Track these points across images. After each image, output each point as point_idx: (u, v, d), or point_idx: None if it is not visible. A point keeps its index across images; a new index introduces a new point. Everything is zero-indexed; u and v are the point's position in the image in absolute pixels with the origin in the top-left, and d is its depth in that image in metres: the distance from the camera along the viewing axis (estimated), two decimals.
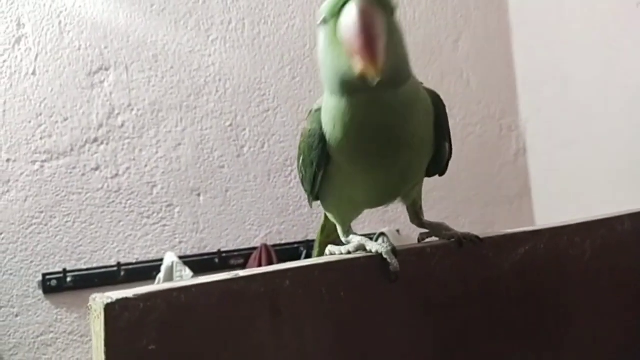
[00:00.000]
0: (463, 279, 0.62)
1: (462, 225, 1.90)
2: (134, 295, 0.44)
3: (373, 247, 0.55)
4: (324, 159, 0.57)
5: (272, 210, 1.69)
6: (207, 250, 1.61)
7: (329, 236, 0.73)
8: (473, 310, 0.62)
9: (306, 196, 0.66)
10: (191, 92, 1.64)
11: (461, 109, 1.98)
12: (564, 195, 1.90)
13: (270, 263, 1.56)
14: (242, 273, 0.50)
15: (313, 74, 1.79)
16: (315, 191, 0.61)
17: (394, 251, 0.54)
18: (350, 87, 0.52)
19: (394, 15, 0.53)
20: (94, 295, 0.46)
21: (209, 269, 1.57)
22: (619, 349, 0.76)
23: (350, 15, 0.48)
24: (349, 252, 0.57)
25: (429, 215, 2.04)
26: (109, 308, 0.44)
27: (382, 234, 1.68)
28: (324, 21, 0.52)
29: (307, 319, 0.51)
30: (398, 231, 1.77)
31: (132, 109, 1.58)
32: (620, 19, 1.70)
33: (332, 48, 0.52)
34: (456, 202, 1.92)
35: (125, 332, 0.44)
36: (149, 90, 1.60)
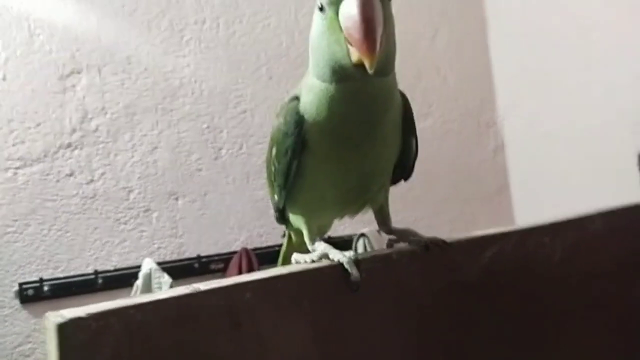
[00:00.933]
0: (430, 284, 0.61)
1: (442, 223, 1.91)
2: (87, 314, 0.43)
3: (335, 256, 0.55)
4: (299, 146, 0.57)
5: (252, 213, 1.68)
6: (186, 256, 1.59)
7: (294, 249, 0.73)
8: (442, 315, 0.62)
9: (276, 206, 0.66)
10: (166, 94, 1.62)
11: (439, 105, 1.98)
12: (543, 191, 1.91)
13: (250, 267, 1.55)
14: (202, 287, 0.49)
15: (290, 73, 1.78)
16: (288, 184, 0.60)
17: (357, 261, 0.54)
18: (343, 75, 0.52)
19: (390, 3, 0.53)
20: (47, 314, 0.45)
21: (188, 274, 1.56)
22: (591, 349, 0.77)
23: (352, 5, 0.48)
24: (313, 261, 0.57)
25: (409, 213, 2.05)
26: (62, 328, 0.42)
27: (362, 234, 1.68)
28: (321, 8, 0.52)
29: (269, 332, 0.50)
30: (379, 231, 1.76)
31: (106, 113, 1.55)
32: (595, 12, 1.71)
33: (328, 35, 0.52)
34: (435, 200, 1.92)
35: (79, 352, 0.43)
36: (123, 93, 1.57)
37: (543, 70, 1.89)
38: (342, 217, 0.68)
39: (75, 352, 0.43)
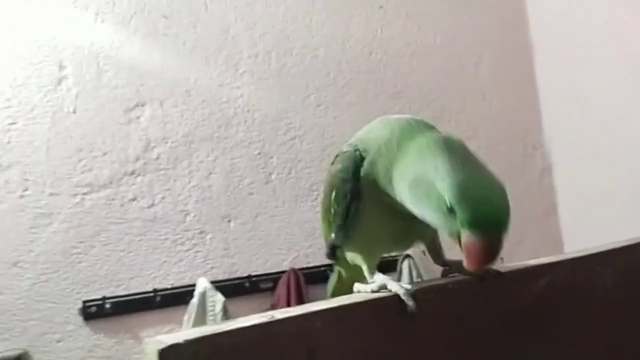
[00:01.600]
0: (485, 313, 0.64)
1: None
2: (184, 340, 0.49)
3: (393, 287, 0.59)
4: (357, 192, 0.63)
5: (300, 234, 1.74)
6: (237, 275, 1.67)
7: (343, 288, 0.77)
8: (497, 344, 0.65)
9: (331, 242, 0.71)
10: (221, 124, 1.71)
11: (485, 129, 2.00)
12: (592, 214, 1.89)
13: (298, 286, 1.61)
14: (277, 315, 0.54)
15: (337, 101, 1.85)
16: (346, 224, 0.66)
17: (412, 293, 0.58)
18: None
19: None
20: (147, 339, 0.50)
21: (239, 293, 1.63)
22: None
23: (482, 252, 0.53)
24: (373, 291, 0.61)
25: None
26: (164, 353, 0.48)
27: (408, 255, 1.70)
28: (451, 211, 0.53)
29: (339, 358, 0.55)
30: (424, 252, 1.79)
31: (167, 142, 1.66)
32: None
33: (443, 225, 0.55)
34: None
35: None
36: (182, 123, 1.68)
37: (589, 92, 1.88)
38: (396, 250, 0.73)
39: None
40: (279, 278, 1.68)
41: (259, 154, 1.74)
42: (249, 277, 1.67)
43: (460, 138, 0.60)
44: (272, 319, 0.54)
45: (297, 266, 1.70)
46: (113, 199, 1.61)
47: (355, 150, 0.63)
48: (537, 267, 0.70)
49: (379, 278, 0.62)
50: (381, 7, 1.93)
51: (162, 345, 0.48)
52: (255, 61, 1.77)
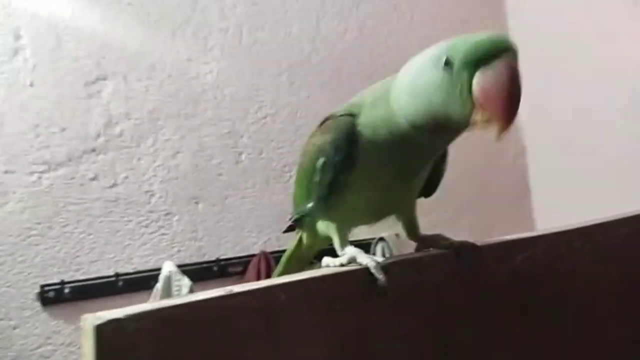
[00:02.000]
0: (462, 288, 0.61)
1: (462, 228, 1.90)
2: (125, 315, 0.44)
3: (363, 259, 0.55)
4: (349, 162, 0.58)
5: (271, 217, 1.69)
6: (205, 259, 1.60)
7: (299, 258, 0.74)
8: (473, 319, 0.62)
9: (304, 210, 0.66)
10: (189, 100, 1.64)
11: None
12: (564, 197, 1.89)
13: (268, 270, 1.56)
14: (236, 289, 0.49)
15: (311, 79, 1.79)
16: (329, 196, 0.61)
17: (385, 266, 0.54)
18: (443, 128, 0.52)
19: None
20: (84, 315, 0.45)
21: (207, 277, 1.57)
22: (620, 353, 0.76)
23: (500, 73, 0.47)
24: (342, 265, 0.57)
25: (430, 218, 2.03)
26: (100, 329, 0.43)
27: (381, 238, 1.67)
28: (447, 62, 0.49)
29: (303, 333, 0.50)
30: (397, 235, 1.76)
31: (130, 118, 1.58)
32: (619, 18, 1.70)
33: (450, 91, 0.50)
34: (455, 206, 1.91)
35: (116, 353, 0.43)
36: (147, 99, 1.59)
37: (565, 75, 1.88)
38: (370, 225, 0.69)
39: (112, 353, 0.43)
40: (249, 262, 1.62)
41: (229, 132, 1.67)
42: (218, 260, 1.61)
43: None
44: (229, 293, 0.49)
45: (268, 250, 1.64)
46: (72, 178, 1.52)
47: (350, 115, 0.59)
48: (514, 241, 0.68)
49: (350, 250, 0.58)
50: None
51: (99, 321, 0.42)
52: (226, 35, 1.69)
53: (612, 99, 1.72)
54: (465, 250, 0.61)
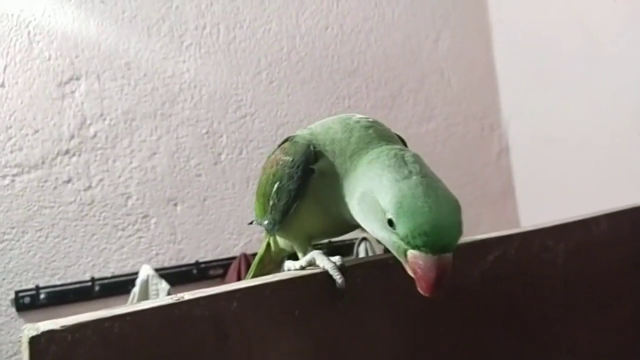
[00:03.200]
0: None
1: None
2: (62, 326, 0.41)
3: (322, 262, 0.53)
4: (302, 192, 0.57)
5: (251, 218, 1.65)
6: (185, 262, 1.57)
7: (267, 269, 0.72)
8: (441, 321, 0.59)
9: (262, 224, 0.65)
10: (165, 100, 1.60)
11: (443, 109, 1.96)
12: (549, 194, 1.88)
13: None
14: (186, 296, 0.47)
15: (291, 77, 1.76)
16: (283, 220, 0.61)
17: (342, 267, 0.51)
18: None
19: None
20: (25, 326, 0.42)
21: (187, 280, 1.54)
22: (596, 351, 0.74)
23: (429, 270, 0.46)
24: (302, 267, 0.55)
25: None
26: (34, 341, 0.40)
27: (364, 238, 1.65)
28: (392, 226, 0.47)
29: (258, 342, 0.48)
30: None
31: (105, 119, 1.54)
32: (599, 15, 1.69)
33: (391, 244, 0.49)
34: None
35: None
36: (122, 99, 1.56)
37: (548, 72, 1.86)
38: (332, 238, 0.67)
39: None
40: (230, 264, 1.59)
41: (207, 132, 1.64)
42: (197, 263, 1.58)
43: (417, 153, 0.54)
44: (178, 301, 0.46)
45: (248, 251, 1.61)
46: (46, 181, 1.48)
47: (308, 144, 0.57)
48: (487, 241, 0.65)
49: (310, 253, 0.55)
50: None
51: (34, 332, 0.40)
52: (203, 33, 1.66)
53: (593, 95, 1.71)
54: None
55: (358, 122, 0.57)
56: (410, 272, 0.48)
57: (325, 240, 0.85)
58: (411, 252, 0.47)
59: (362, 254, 1.65)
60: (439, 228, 0.46)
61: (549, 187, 1.88)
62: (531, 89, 1.94)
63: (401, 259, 0.49)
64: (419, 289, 0.48)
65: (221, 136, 1.66)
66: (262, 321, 0.48)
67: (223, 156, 1.66)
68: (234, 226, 1.64)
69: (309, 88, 1.77)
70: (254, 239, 1.65)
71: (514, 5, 2.00)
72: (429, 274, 0.46)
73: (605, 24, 1.67)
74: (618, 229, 0.79)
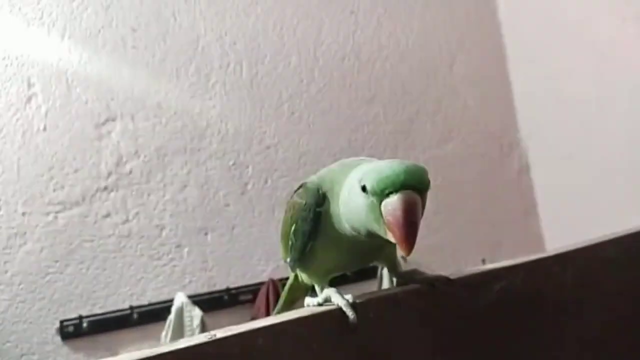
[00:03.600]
0: (438, 321, 0.64)
1: (469, 246, 1.91)
2: None
3: (335, 298, 0.58)
4: (315, 232, 0.64)
5: (278, 244, 1.72)
6: (216, 288, 1.65)
7: (296, 296, 0.77)
8: (451, 352, 0.64)
9: (287, 263, 0.71)
10: (194, 135, 1.70)
11: (461, 131, 2.00)
12: (572, 211, 1.89)
13: (277, 297, 1.59)
14: (218, 334, 0.53)
15: (311, 108, 1.84)
16: (301, 258, 0.67)
17: (354, 304, 0.57)
18: (371, 237, 0.58)
19: (427, 192, 0.57)
20: None
21: (218, 306, 1.61)
22: None
23: (397, 207, 0.53)
24: (319, 304, 0.60)
25: (437, 237, 2.04)
26: None
27: None
28: (365, 190, 0.55)
29: None
30: (403, 257, 1.78)
31: (139, 156, 1.64)
32: (611, 34, 1.71)
33: (367, 213, 0.55)
34: (461, 224, 1.92)
35: None
36: (154, 136, 1.66)
37: (564, 90, 1.89)
38: (352, 271, 0.74)
39: None
40: (258, 290, 1.66)
41: (234, 164, 1.73)
42: (228, 289, 1.65)
43: None
44: (211, 339, 0.52)
45: (276, 277, 1.68)
46: (86, 216, 1.59)
47: (317, 188, 0.64)
48: (492, 271, 0.69)
49: (326, 291, 0.61)
50: (352, 12, 1.93)
51: None
52: (227, 71, 1.76)
53: (610, 112, 1.73)
54: (439, 284, 0.63)
55: (355, 159, 0.65)
56: (388, 233, 0.53)
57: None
58: (383, 205, 0.53)
59: (385, 278, 1.70)
60: (400, 169, 0.54)
61: (572, 205, 1.88)
62: (549, 106, 1.97)
63: (380, 228, 0.54)
64: (397, 243, 0.53)
65: (247, 167, 1.74)
66: (284, 355, 0.54)
67: (249, 186, 1.74)
68: (262, 252, 1.71)
69: (329, 117, 1.85)
70: (281, 264, 1.71)
71: (527, 26, 2.03)
72: (397, 212, 0.52)
73: (619, 40, 1.69)
74: (625, 253, 0.81)
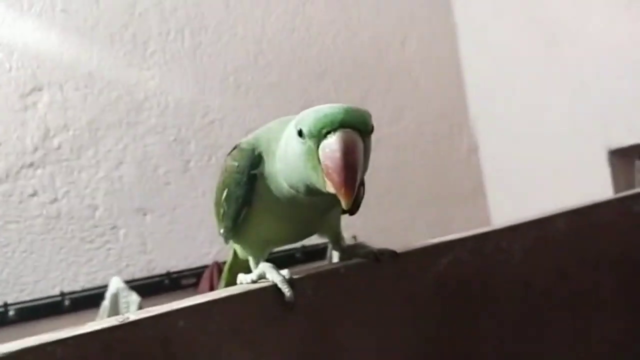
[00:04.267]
0: (382, 296, 0.59)
1: (419, 226, 1.90)
2: (2, 353, 0.40)
3: (270, 275, 0.53)
4: (249, 198, 0.58)
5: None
6: (156, 272, 1.55)
7: (241, 265, 0.71)
8: (395, 327, 0.60)
9: (221, 234, 0.64)
10: (130, 108, 1.58)
11: (412, 109, 1.97)
12: (519, 191, 1.91)
13: None
14: (132, 317, 0.46)
15: (259, 81, 1.76)
16: (235, 227, 0.61)
17: (290, 280, 0.52)
18: (314, 191, 0.52)
19: (370, 136, 0.52)
20: None
21: (159, 291, 1.53)
22: (555, 350, 0.75)
23: (335, 148, 0.48)
24: (253, 281, 0.55)
25: (387, 217, 2.02)
26: None
27: None
28: (300, 133, 0.50)
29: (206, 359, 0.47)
30: (354, 237, 1.75)
31: (69, 130, 1.52)
32: (559, 13, 1.72)
33: (304, 160, 0.50)
34: (411, 204, 1.91)
35: None
36: (85, 109, 1.53)
37: (513, 70, 1.89)
38: (290, 244, 0.67)
39: None
40: (202, 273, 1.58)
41: (175, 140, 1.63)
42: (169, 273, 1.56)
43: None
44: (122, 322, 0.46)
45: (221, 260, 1.60)
46: (10, 195, 1.45)
47: (252, 149, 0.58)
48: (439, 245, 0.66)
49: (261, 267, 0.56)
50: None
51: None
52: (167, 39, 1.64)
53: (558, 92, 1.75)
54: (384, 257, 0.59)
55: (292, 116, 0.57)
56: (327, 182, 0.48)
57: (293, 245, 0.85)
58: (320, 148, 0.48)
59: (335, 258, 1.66)
60: (339, 108, 0.50)
61: (519, 184, 1.91)
62: (498, 87, 1.97)
63: (318, 178, 0.49)
64: (336, 192, 0.48)
65: (189, 143, 1.64)
66: (211, 339, 0.48)
67: (192, 163, 1.64)
68: (206, 234, 1.63)
69: (277, 92, 1.77)
70: (227, 247, 1.64)
71: (479, 4, 2.02)
72: (335, 154, 0.47)
73: (569, 19, 1.70)
74: (575, 227, 0.80)
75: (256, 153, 0.57)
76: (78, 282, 1.48)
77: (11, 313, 1.41)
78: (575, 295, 0.79)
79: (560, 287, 0.78)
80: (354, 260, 0.60)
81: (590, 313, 0.80)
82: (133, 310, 1.38)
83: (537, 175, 1.83)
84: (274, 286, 0.52)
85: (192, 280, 1.57)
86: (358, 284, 0.58)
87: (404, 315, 0.61)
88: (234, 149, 0.62)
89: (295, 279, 0.52)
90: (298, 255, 1.66)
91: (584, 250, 0.81)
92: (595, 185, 1.60)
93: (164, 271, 1.56)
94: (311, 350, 0.53)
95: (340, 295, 0.57)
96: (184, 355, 0.47)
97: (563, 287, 0.78)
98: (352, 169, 0.47)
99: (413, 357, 0.62)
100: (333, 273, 0.57)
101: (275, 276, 0.52)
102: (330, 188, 0.48)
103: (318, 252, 1.66)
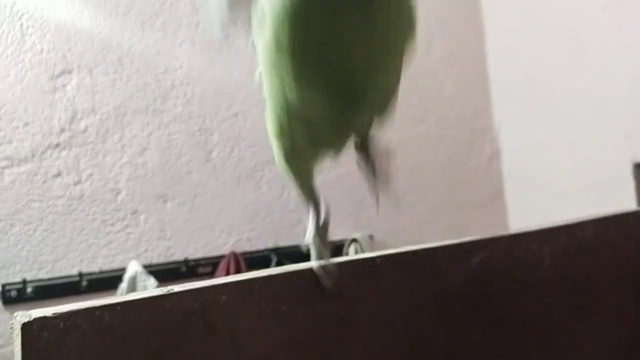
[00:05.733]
0: (415, 290, 0.60)
1: (435, 230, 1.89)
2: (54, 313, 0.41)
3: (314, 257, 0.53)
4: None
5: (242, 216, 1.66)
6: (173, 259, 1.57)
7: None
8: (426, 322, 0.60)
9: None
10: (157, 96, 1.60)
11: (434, 111, 1.97)
12: (539, 198, 1.90)
13: (238, 271, 1.53)
14: (176, 288, 0.47)
15: None
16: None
17: (328, 267, 0.52)
18: None
19: None
20: (17, 313, 0.43)
21: (175, 277, 1.54)
22: (579, 356, 0.75)
23: None
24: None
25: (402, 220, 2.01)
26: (26, 327, 0.41)
27: (354, 240, 1.66)
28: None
29: (245, 336, 0.48)
30: (371, 237, 1.75)
31: (96, 113, 1.54)
32: (587, 22, 1.71)
33: None
34: (429, 207, 1.91)
35: (43, 353, 0.41)
36: (114, 93, 1.55)
37: (539, 78, 1.89)
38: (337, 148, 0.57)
39: (40, 353, 0.41)
40: (219, 263, 1.59)
41: (199, 129, 1.64)
42: (186, 260, 1.58)
43: None
44: (168, 292, 0.46)
45: (238, 250, 1.62)
46: (35, 174, 1.48)
47: None
48: (472, 243, 0.66)
49: (313, 242, 0.53)
50: None
51: (26, 319, 0.40)
52: (196, 30, 1.66)
53: (583, 101, 1.74)
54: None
55: None
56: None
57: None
58: None
59: (352, 253, 1.66)
60: None
61: (539, 192, 1.90)
62: (523, 93, 1.97)
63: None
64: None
65: (213, 133, 1.66)
66: (250, 315, 0.49)
67: (214, 154, 1.66)
68: (224, 224, 1.64)
69: None
70: (243, 237, 1.66)
71: (507, 11, 2.02)
72: None
73: (595, 29, 1.69)
74: (603, 235, 0.80)
75: None
76: (96, 263, 1.50)
77: (29, 290, 1.44)
78: (597, 304, 0.79)
79: (584, 294, 0.78)
80: (390, 251, 0.61)
81: (610, 323, 0.80)
82: None
83: (558, 185, 1.82)
84: (311, 270, 0.53)
85: (209, 269, 1.59)
86: (392, 275, 0.58)
87: (432, 310, 0.62)
88: None
89: (334, 264, 0.53)
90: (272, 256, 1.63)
91: (609, 259, 0.81)
92: (619, 198, 1.59)
93: (181, 258, 1.57)
94: (345, 334, 0.54)
95: (374, 284, 0.57)
96: (224, 330, 0.47)
97: (588, 295, 0.78)
98: None
99: (438, 352, 0.62)
100: (369, 263, 0.57)
101: (316, 262, 0.52)
102: None
103: (335, 250, 1.67)
